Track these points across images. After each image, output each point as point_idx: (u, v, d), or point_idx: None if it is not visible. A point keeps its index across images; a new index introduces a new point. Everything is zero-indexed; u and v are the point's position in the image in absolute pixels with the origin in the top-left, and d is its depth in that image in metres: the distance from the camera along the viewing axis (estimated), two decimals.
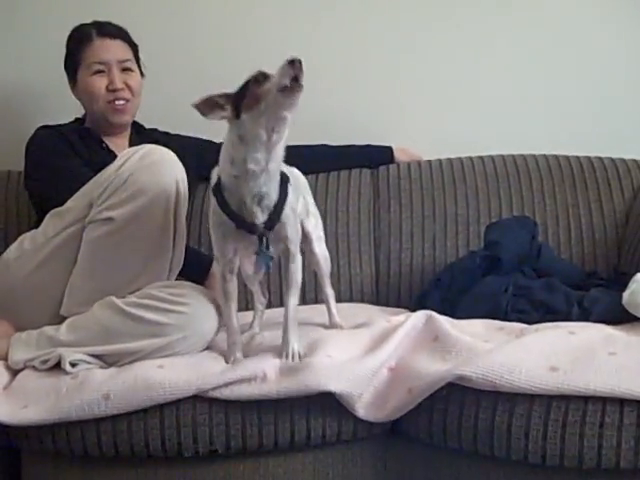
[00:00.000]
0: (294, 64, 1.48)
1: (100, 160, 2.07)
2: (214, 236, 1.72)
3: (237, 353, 1.71)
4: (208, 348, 1.79)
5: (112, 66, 2.22)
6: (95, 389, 1.60)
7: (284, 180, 1.67)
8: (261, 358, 1.68)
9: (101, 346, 1.72)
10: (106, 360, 1.72)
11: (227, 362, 1.69)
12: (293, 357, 1.66)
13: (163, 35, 2.64)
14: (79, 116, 2.35)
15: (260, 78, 1.54)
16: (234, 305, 1.76)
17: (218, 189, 1.66)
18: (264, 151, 1.59)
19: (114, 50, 2.25)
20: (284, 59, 1.49)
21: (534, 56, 2.70)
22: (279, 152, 1.63)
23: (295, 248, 1.75)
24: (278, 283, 2.25)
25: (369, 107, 2.69)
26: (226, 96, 1.59)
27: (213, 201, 1.68)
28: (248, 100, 1.55)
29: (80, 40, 2.24)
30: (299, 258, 1.77)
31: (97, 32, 2.24)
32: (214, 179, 1.70)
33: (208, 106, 1.59)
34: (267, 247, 1.68)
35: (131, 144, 2.27)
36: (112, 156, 2.07)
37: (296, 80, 1.49)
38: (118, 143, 2.29)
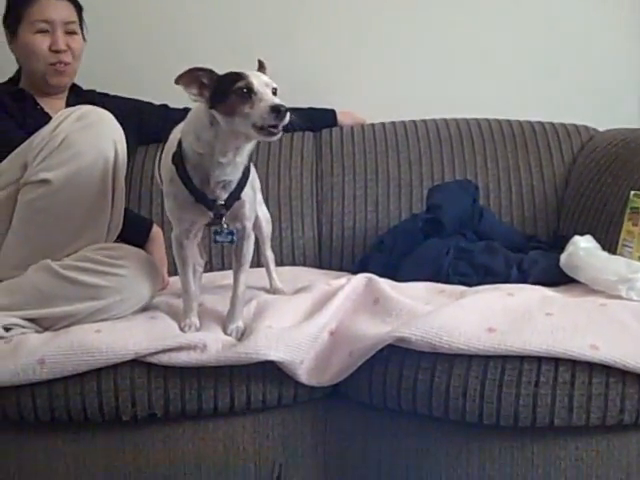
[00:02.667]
0: (279, 113, 1.45)
1: (34, 122, 2.02)
2: (169, 204, 1.69)
3: (192, 318, 1.70)
4: (147, 310, 1.77)
5: (57, 27, 2.16)
6: (30, 354, 1.57)
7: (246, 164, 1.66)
8: (203, 329, 1.68)
9: (36, 310, 1.69)
10: (41, 324, 1.69)
11: (181, 327, 1.68)
12: (236, 334, 1.67)
13: None
14: (11, 76, 2.28)
15: (244, 92, 1.48)
16: (191, 270, 1.75)
17: (180, 159, 1.62)
18: (233, 149, 1.58)
19: (60, 10, 2.18)
20: (268, 101, 1.45)
21: (476, 19, 2.71)
22: (248, 147, 1.61)
23: (250, 225, 1.74)
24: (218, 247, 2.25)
25: (313, 70, 2.67)
26: (210, 76, 1.54)
27: (171, 169, 1.63)
28: (225, 106, 1.51)
29: None
30: (253, 236, 1.76)
31: None
32: (171, 144, 1.66)
33: (190, 80, 1.53)
34: (225, 225, 1.67)
35: (68, 105, 2.21)
36: (47, 118, 2.01)
37: (275, 126, 1.46)
38: (54, 104, 2.23)
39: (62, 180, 1.76)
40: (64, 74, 2.21)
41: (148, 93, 2.45)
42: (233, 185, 1.64)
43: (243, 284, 1.74)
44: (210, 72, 1.54)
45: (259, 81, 1.50)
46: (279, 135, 1.49)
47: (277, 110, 1.45)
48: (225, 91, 1.50)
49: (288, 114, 1.45)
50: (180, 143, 1.63)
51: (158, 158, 1.82)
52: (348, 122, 2.60)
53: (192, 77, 1.53)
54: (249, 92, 1.48)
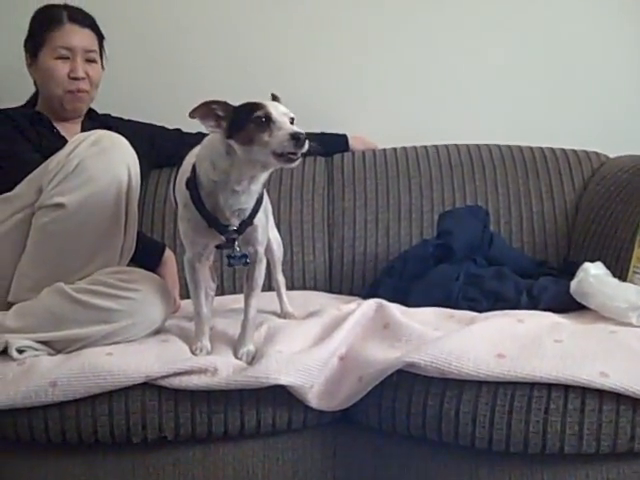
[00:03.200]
0: (299, 140, 1.46)
1: (51, 145, 2.04)
2: (183, 227, 1.71)
3: (204, 341, 1.71)
4: (159, 333, 1.78)
5: (77, 54, 2.18)
6: (42, 376, 1.58)
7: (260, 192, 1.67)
8: (214, 352, 1.69)
9: (49, 332, 1.70)
10: (54, 347, 1.70)
11: (192, 350, 1.69)
12: (247, 358, 1.67)
13: (125, 25, 2.62)
14: (29, 99, 2.31)
15: (262, 121, 1.50)
16: (203, 293, 1.76)
17: (194, 185, 1.63)
18: (249, 178, 1.59)
19: (82, 38, 2.20)
20: (288, 129, 1.47)
21: (491, 48, 2.72)
22: (264, 176, 1.63)
23: (262, 250, 1.76)
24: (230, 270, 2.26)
25: (325, 95, 2.69)
26: (225, 108, 1.55)
27: (185, 194, 1.65)
28: (243, 135, 1.52)
29: (49, 20, 2.19)
30: (265, 261, 1.78)
31: (68, 16, 2.19)
32: (185, 169, 1.68)
33: (205, 113, 1.55)
34: (238, 249, 1.69)
35: (83, 130, 2.24)
36: (63, 142, 2.04)
37: (294, 153, 1.48)
38: (70, 128, 2.25)
39: (76, 204, 1.78)
40: (81, 100, 2.23)
41: (161, 118, 2.48)
42: (247, 213, 1.65)
43: (254, 308, 1.75)
44: (225, 104, 1.55)
45: (277, 110, 1.52)
46: (298, 162, 1.50)
47: (297, 138, 1.46)
48: (243, 121, 1.52)
49: (307, 142, 1.47)
50: (194, 169, 1.64)
51: (173, 181, 1.83)
52: (360, 147, 2.61)
53: (207, 110, 1.55)
54: (267, 121, 1.50)
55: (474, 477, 1.53)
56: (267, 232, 1.80)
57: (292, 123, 1.53)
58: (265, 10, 2.70)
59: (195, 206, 1.64)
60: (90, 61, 2.22)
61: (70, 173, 1.79)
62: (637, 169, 2.25)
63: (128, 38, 2.61)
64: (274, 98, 1.64)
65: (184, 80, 2.63)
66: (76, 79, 2.18)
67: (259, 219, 1.69)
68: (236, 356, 1.68)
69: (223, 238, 1.68)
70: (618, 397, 1.44)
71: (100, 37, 2.27)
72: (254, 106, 1.53)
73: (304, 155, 1.52)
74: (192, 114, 1.54)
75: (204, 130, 1.66)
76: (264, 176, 1.63)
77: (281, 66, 2.66)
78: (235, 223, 1.65)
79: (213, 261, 2.04)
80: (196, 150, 1.70)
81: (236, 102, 1.57)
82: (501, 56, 2.72)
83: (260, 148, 1.50)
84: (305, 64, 2.70)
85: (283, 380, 1.57)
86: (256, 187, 1.63)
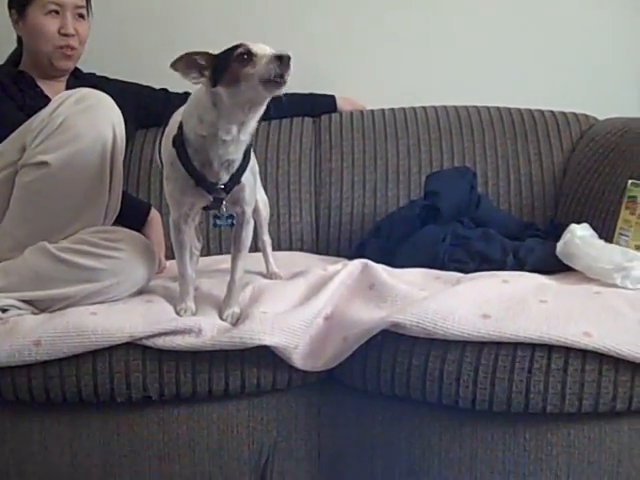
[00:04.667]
0: (282, 60, 1.44)
1: (34, 104, 2.02)
2: (169, 187, 1.69)
3: (189, 302, 1.71)
4: (143, 293, 1.78)
5: (67, 9, 2.15)
6: (25, 335, 1.57)
7: (248, 143, 1.65)
8: (199, 313, 1.69)
9: (32, 291, 1.70)
10: (38, 306, 1.70)
11: (177, 311, 1.68)
12: (232, 320, 1.67)
13: None
14: (9, 57, 2.28)
15: (244, 58, 1.48)
16: (188, 254, 1.75)
17: (181, 142, 1.62)
18: (237, 124, 1.57)
19: None
20: (270, 54, 1.45)
21: (480, 8, 2.70)
22: (252, 125, 1.61)
23: (250, 211, 1.74)
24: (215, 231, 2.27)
25: (314, 56, 2.66)
26: (207, 57, 1.53)
27: (172, 153, 1.63)
28: (228, 77, 1.50)
29: None
30: (252, 222, 1.77)
31: None
32: (172, 128, 1.66)
33: (186, 65, 1.53)
34: (225, 209, 1.68)
35: (68, 88, 2.21)
36: (47, 100, 2.01)
37: (281, 76, 1.45)
38: (54, 87, 2.22)
39: (60, 162, 1.76)
40: (70, 58, 2.21)
41: (148, 77, 2.45)
42: (235, 165, 1.63)
43: (241, 270, 1.75)
44: (206, 53, 1.54)
45: (257, 46, 1.50)
46: (286, 85, 1.47)
47: (280, 58, 1.44)
48: (226, 63, 1.50)
49: (292, 62, 1.44)
50: (181, 126, 1.62)
51: (158, 142, 1.82)
52: (348, 108, 2.59)
53: (189, 62, 1.53)
54: (249, 55, 1.48)
55: (457, 436, 1.54)
56: (255, 192, 1.79)
57: None
58: None
59: (182, 164, 1.62)
60: (79, 17, 2.19)
61: (54, 131, 1.77)
62: (625, 131, 2.24)
63: None
64: None
65: (175, 36, 2.60)
66: (66, 35, 2.16)
67: (246, 178, 1.68)
68: (221, 317, 1.68)
69: (210, 198, 1.66)
70: (601, 357, 1.44)
71: None
72: (233, 47, 1.51)
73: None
74: (173, 65, 1.52)
75: (190, 90, 1.64)
76: (253, 123, 1.60)
77: (269, 28, 2.63)
78: (224, 178, 1.63)
79: (199, 222, 2.03)
80: (182, 109, 1.68)
81: None
82: (490, 18, 2.71)
83: (247, 82, 1.48)
84: (293, 25, 2.67)
85: (267, 340, 1.57)
86: (245, 137, 1.60)
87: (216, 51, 1.55)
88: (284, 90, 1.48)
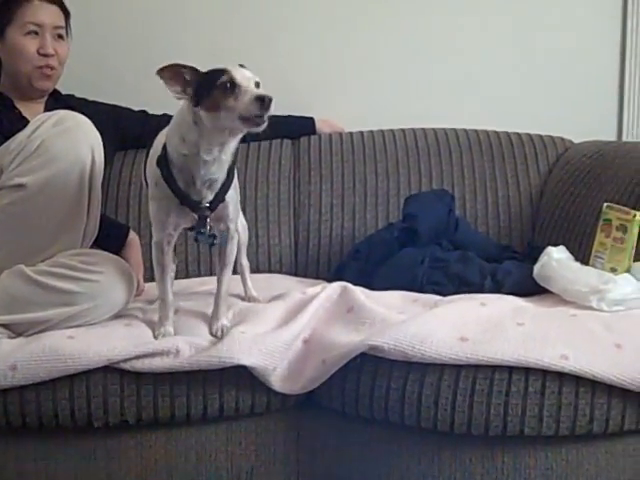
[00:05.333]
0: (263, 102, 1.46)
1: (11, 126, 2.01)
2: (154, 208, 1.69)
3: (167, 327, 1.70)
4: (121, 316, 1.77)
5: (46, 30, 2.15)
6: (2, 359, 1.57)
7: (232, 161, 1.66)
8: (176, 335, 1.68)
9: (9, 315, 1.68)
10: (14, 330, 1.69)
11: (155, 335, 1.68)
12: (221, 333, 1.67)
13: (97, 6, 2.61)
14: None
15: (227, 87, 1.49)
16: (169, 278, 1.76)
17: (165, 162, 1.62)
18: (218, 145, 1.58)
19: (51, 14, 2.18)
20: (253, 92, 1.46)
21: (459, 32, 2.72)
22: (233, 145, 1.62)
23: (234, 227, 1.75)
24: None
25: (292, 78, 2.67)
26: (193, 73, 1.54)
27: (156, 173, 1.64)
28: (209, 102, 1.52)
29: None
30: (237, 238, 1.78)
31: None
32: (156, 148, 1.67)
33: (172, 76, 1.54)
34: (208, 227, 1.68)
35: (46, 110, 2.21)
36: (25, 122, 2.00)
37: (260, 116, 1.47)
38: (33, 109, 2.21)
39: (38, 185, 1.75)
40: (49, 78, 2.21)
41: (128, 99, 2.45)
42: (218, 185, 1.64)
43: (226, 284, 1.76)
44: (193, 69, 1.55)
45: (242, 75, 1.51)
46: (264, 125, 1.49)
47: (262, 99, 1.46)
48: (209, 87, 1.51)
49: (272, 104, 1.46)
50: (165, 146, 1.63)
51: (144, 162, 1.81)
52: (326, 130, 2.60)
53: (175, 72, 1.54)
54: (232, 86, 1.49)
55: (436, 459, 1.54)
56: (238, 209, 1.80)
57: (257, 87, 1.52)
58: None
59: (167, 183, 1.62)
60: (58, 37, 2.20)
61: (32, 153, 1.76)
62: (601, 155, 2.27)
63: (93, 12, 2.59)
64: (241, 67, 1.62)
65: (154, 57, 2.56)
66: (46, 55, 2.16)
67: (230, 196, 1.68)
68: (211, 332, 1.68)
69: (195, 217, 1.66)
70: (578, 379, 1.46)
71: (67, 14, 2.24)
72: (218, 72, 1.52)
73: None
74: (160, 72, 1.53)
75: (169, 112, 1.64)
76: (233, 144, 1.62)
77: (249, 49, 2.63)
78: (208, 197, 1.64)
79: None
80: (166, 130, 1.68)
81: None
82: (468, 41, 2.72)
83: (226, 113, 1.50)
84: (272, 47, 2.68)
85: (245, 361, 1.57)
86: (226, 157, 1.62)
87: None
88: (262, 128, 1.50)
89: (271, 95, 1.47)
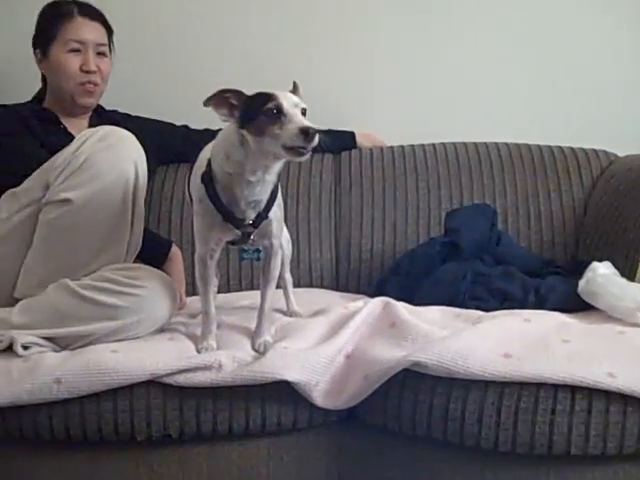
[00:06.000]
0: (308, 135, 1.45)
1: (57, 142, 2.04)
2: (198, 223, 1.70)
3: (210, 341, 1.70)
4: (164, 330, 1.78)
5: (89, 47, 2.19)
6: (46, 373, 1.58)
7: (276, 181, 1.67)
8: (219, 349, 1.69)
9: (54, 329, 1.70)
10: (59, 343, 1.70)
11: (198, 349, 1.68)
12: (264, 349, 1.67)
13: (135, 21, 2.63)
14: (35, 95, 2.31)
15: (274, 113, 1.49)
16: (212, 292, 1.76)
17: (210, 179, 1.63)
18: (263, 167, 1.59)
19: (94, 31, 2.22)
20: (298, 123, 1.46)
21: (499, 46, 2.71)
22: (278, 166, 1.63)
23: (278, 243, 1.75)
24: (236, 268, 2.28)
25: (334, 92, 2.68)
26: (239, 97, 1.55)
27: (200, 189, 1.65)
28: (255, 126, 1.52)
29: (60, 15, 2.19)
30: (280, 253, 1.78)
31: (79, 10, 2.20)
32: (200, 164, 1.67)
33: (218, 102, 1.55)
34: (252, 244, 1.70)
35: (91, 126, 2.24)
36: (70, 138, 2.03)
37: (304, 147, 1.48)
38: (77, 125, 2.25)
39: (83, 200, 1.78)
40: (92, 95, 2.24)
41: (170, 115, 2.48)
42: (262, 205, 1.65)
43: (270, 299, 1.76)
44: (238, 93, 1.55)
45: (288, 102, 1.51)
46: (308, 156, 1.50)
47: (306, 132, 1.46)
48: (255, 111, 1.51)
49: (317, 136, 1.47)
50: (209, 163, 1.64)
51: (188, 177, 1.83)
52: (367, 144, 2.60)
53: (221, 98, 1.55)
54: (279, 113, 1.49)
55: (479, 478, 1.53)
56: (282, 225, 1.80)
57: (304, 114, 1.52)
58: (276, 7, 2.69)
59: (210, 200, 1.63)
60: (101, 54, 2.23)
61: (77, 169, 1.79)
62: None
63: (139, 34, 2.62)
64: (295, 87, 1.62)
65: (193, 77, 2.62)
66: (88, 72, 2.19)
67: (274, 212, 1.69)
68: (253, 347, 1.68)
69: (239, 232, 1.67)
70: (625, 398, 1.43)
71: (109, 31, 2.28)
72: (266, 97, 1.52)
73: (314, 150, 1.51)
74: (207, 102, 1.54)
75: (211, 127, 1.65)
76: (278, 166, 1.62)
77: (290, 62, 2.65)
78: (251, 216, 1.65)
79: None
80: (211, 145, 1.70)
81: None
82: (510, 55, 2.71)
83: (270, 140, 1.50)
84: (314, 61, 2.69)
85: (288, 376, 1.57)
86: (270, 177, 1.62)
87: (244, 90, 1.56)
88: (305, 158, 1.51)
89: (316, 127, 1.46)
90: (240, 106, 1.54)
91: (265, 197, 1.65)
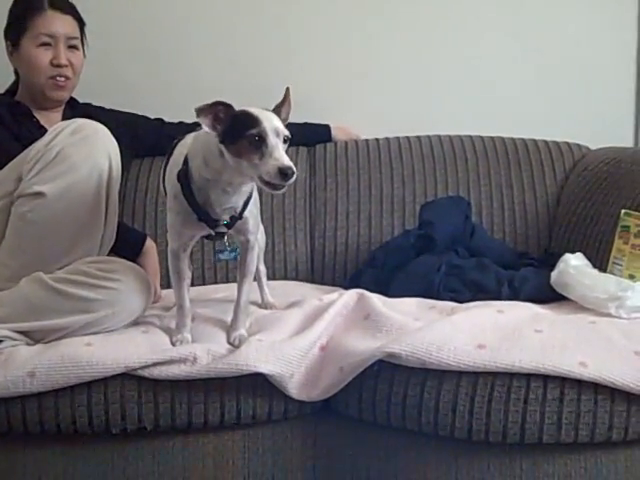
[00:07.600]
0: (286, 175, 1.44)
1: (30, 135, 2.04)
2: (171, 218, 1.70)
3: (185, 334, 1.71)
4: (139, 323, 1.78)
5: (60, 41, 2.16)
6: (20, 366, 1.57)
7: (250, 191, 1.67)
8: (194, 342, 1.69)
9: (27, 322, 1.69)
10: (33, 337, 1.69)
11: (172, 342, 1.68)
12: (239, 343, 1.66)
13: (108, 12, 2.62)
14: (8, 87, 2.29)
15: (256, 140, 1.47)
16: (186, 284, 1.76)
17: (185, 178, 1.62)
18: (240, 180, 1.59)
19: (64, 25, 2.18)
20: (278, 161, 1.44)
21: (474, 40, 2.72)
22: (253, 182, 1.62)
23: (254, 239, 1.75)
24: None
25: (309, 85, 2.66)
26: (227, 112, 1.51)
27: (176, 185, 1.64)
28: (235, 148, 1.50)
29: (30, 8, 2.16)
30: (257, 248, 1.78)
31: (49, 3, 2.16)
32: (177, 160, 1.66)
33: (208, 113, 1.51)
34: (227, 241, 1.71)
35: (64, 119, 2.22)
36: (43, 131, 2.02)
37: (281, 185, 1.47)
38: (50, 118, 2.23)
39: (56, 193, 1.76)
40: (63, 89, 2.22)
41: (143, 107, 2.47)
42: (238, 210, 1.66)
43: (246, 294, 1.76)
44: (227, 107, 1.52)
45: (272, 130, 1.48)
46: (284, 190, 1.49)
47: (284, 173, 1.45)
48: (237, 133, 1.49)
49: (295, 175, 1.45)
50: (186, 161, 1.63)
51: (162, 170, 1.81)
52: (342, 137, 2.61)
53: (212, 111, 1.51)
54: (260, 141, 1.47)
55: (453, 467, 1.54)
56: (258, 221, 1.80)
57: (286, 142, 1.52)
58: (255, 4, 2.69)
59: (186, 199, 1.63)
60: (72, 48, 2.20)
61: (50, 162, 1.78)
62: (618, 161, 2.26)
63: (108, 22, 2.60)
64: (286, 94, 1.61)
65: (170, 67, 2.62)
66: (59, 66, 2.17)
67: (249, 211, 1.69)
68: (228, 341, 1.68)
69: (212, 232, 1.68)
70: (596, 387, 1.44)
71: (81, 24, 2.25)
72: (251, 120, 1.49)
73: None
74: (199, 112, 1.49)
75: (186, 120, 1.64)
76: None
77: (268, 55, 2.65)
78: (225, 217, 1.65)
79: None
80: (188, 140, 1.68)
81: (229, 96, 1.54)
82: (484, 48, 2.72)
83: (248, 166, 1.49)
84: (288, 55, 2.69)
85: (263, 368, 1.57)
86: (247, 188, 1.63)
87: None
88: (280, 192, 1.50)
89: (294, 168, 1.45)
90: (225, 121, 1.51)
91: (241, 203, 1.65)
